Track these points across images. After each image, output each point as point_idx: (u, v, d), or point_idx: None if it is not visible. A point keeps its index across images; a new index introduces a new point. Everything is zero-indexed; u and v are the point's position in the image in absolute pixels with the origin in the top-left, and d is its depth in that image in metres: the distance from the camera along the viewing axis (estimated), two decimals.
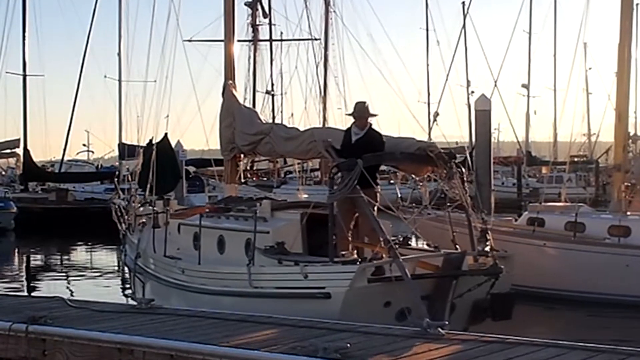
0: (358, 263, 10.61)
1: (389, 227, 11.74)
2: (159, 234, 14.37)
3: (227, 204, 13.69)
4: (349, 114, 12.34)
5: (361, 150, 11.40)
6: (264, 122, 14.82)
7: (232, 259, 12.27)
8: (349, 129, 12.24)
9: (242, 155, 15.72)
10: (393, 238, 11.46)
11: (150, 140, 22.60)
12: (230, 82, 15.96)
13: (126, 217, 17.54)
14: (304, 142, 13.36)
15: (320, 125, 61.77)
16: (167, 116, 39.67)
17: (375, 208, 11.16)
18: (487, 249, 11.33)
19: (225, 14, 17.03)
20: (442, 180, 11.89)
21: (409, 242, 12.40)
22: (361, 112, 12.10)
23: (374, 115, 12.20)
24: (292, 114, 64.42)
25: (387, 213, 11.90)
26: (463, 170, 11.99)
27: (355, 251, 11.38)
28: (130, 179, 21.09)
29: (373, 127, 12.17)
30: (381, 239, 10.60)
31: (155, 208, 15.77)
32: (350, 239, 11.45)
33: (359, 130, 12.03)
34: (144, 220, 15.70)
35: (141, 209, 17.03)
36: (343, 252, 11.12)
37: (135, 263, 15.17)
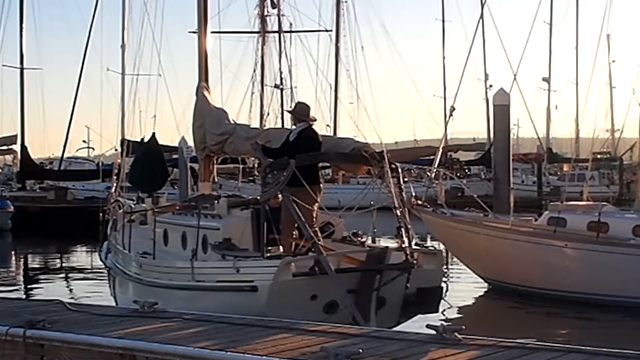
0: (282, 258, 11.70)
1: (342, 223, 13.34)
2: (141, 231, 15.57)
3: (197, 202, 14.70)
4: (289, 111, 13.72)
5: (296, 150, 12.47)
6: (231, 122, 15.64)
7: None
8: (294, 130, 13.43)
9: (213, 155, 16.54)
10: (346, 234, 13.27)
11: (142, 139, 23.22)
12: (203, 84, 16.63)
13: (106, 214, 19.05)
14: (262, 142, 14.19)
15: (331, 122, 62.07)
16: (155, 116, 39.88)
17: (316, 206, 12.43)
18: (404, 245, 12.11)
19: (198, 3, 17.11)
20: (376, 178, 12.92)
21: (358, 238, 13.42)
22: (300, 112, 13.29)
23: (314, 120, 13.39)
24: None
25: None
26: (399, 169, 12.99)
27: (281, 247, 12.56)
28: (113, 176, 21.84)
29: (312, 127, 13.28)
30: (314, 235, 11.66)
31: (144, 205, 17.24)
32: (293, 235, 12.46)
33: (297, 129, 13.18)
34: (132, 217, 16.63)
35: (132, 205, 18.16)
36: (269, 248, 12.34)
37: (106, 257, 16.81)
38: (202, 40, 17.09)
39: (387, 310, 11.63)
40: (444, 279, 22.80)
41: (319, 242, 11.59)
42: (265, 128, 15.91)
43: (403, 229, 12.19)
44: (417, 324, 10.97)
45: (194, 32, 18.15)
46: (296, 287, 11.30)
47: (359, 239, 13.34)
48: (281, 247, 12.51)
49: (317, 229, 12.22)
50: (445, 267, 12.66)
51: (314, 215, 12.42)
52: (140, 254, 14.53)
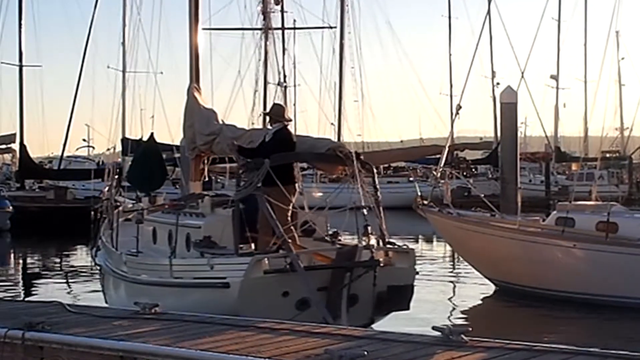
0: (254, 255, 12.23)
1: (324, 222, 13.74)
2: (134, 230, 15.84)
3: (185, 201, 15.26)
4: (265, 113, 13.97)
5: (270, 150, 13.06)
6: (219, 122, 16.02)
7: (177, 251, 13.83)
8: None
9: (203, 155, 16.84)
10: (329, 233, 13.53)
11: (141, 138, 23.56)
12: (194, 84, 16.96)
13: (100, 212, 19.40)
14: (244, 142, 14.67)
15: (335, 120, 62.05)
16: (153, 116, 40.15)
17: (291, 205, 12.96)
18: (372, 242, 12.71)
19: (189, 3, 17.22)
20: (349, 178, 13.41)
21: (338, 237, 13.69)
22: (276, 113, 14.04)
23: (289, 120, 14.13)
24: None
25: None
26: (374, 170, 13.70)
27: (252, 244, 13.03)
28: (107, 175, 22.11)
29: (287, 127, 13.93)
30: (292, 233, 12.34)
31: (141, 204, 17.50)
32: (270, 233, 12.80)
33: (272, 130, 13.85)
34: (130, 216, 17.00)
35: (130, 205, 18.79)
36: (241, 246, 12.68)
37: (96, 255, 17.37)
38: (193, 40, 17.27)
39: (359, 308, 12.03)
40: (451, 280, 23.03)
41: (289, 241, 11.98)
42: (249, 128, 16.49)
43: (370, 228, 12.80)
44: (423, 327, 10.96)
45: None
46: (267, 284, 11.78)
47: (339, 238, 13.64)
48: (253, 245, 12.92)
49: (292, 227, 12.65)
50: (417, 265, 13.25)
51: (289, 214, 12.87)
52: (131, 252, 14.89)
